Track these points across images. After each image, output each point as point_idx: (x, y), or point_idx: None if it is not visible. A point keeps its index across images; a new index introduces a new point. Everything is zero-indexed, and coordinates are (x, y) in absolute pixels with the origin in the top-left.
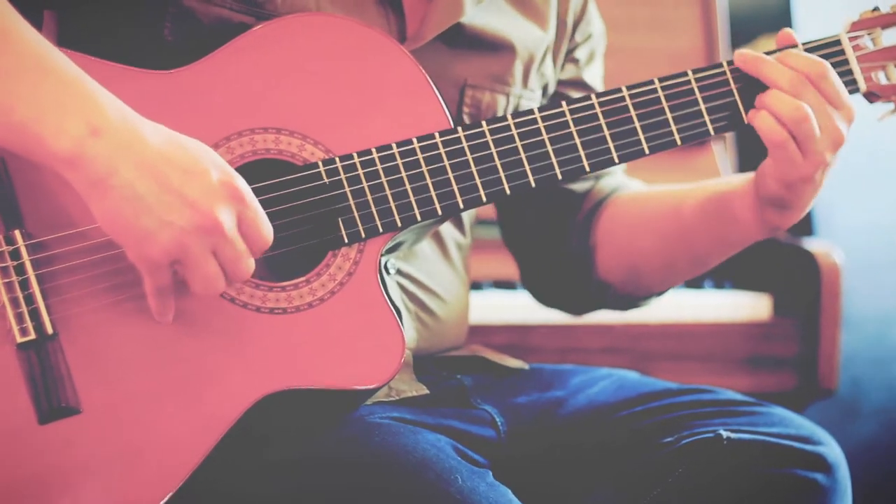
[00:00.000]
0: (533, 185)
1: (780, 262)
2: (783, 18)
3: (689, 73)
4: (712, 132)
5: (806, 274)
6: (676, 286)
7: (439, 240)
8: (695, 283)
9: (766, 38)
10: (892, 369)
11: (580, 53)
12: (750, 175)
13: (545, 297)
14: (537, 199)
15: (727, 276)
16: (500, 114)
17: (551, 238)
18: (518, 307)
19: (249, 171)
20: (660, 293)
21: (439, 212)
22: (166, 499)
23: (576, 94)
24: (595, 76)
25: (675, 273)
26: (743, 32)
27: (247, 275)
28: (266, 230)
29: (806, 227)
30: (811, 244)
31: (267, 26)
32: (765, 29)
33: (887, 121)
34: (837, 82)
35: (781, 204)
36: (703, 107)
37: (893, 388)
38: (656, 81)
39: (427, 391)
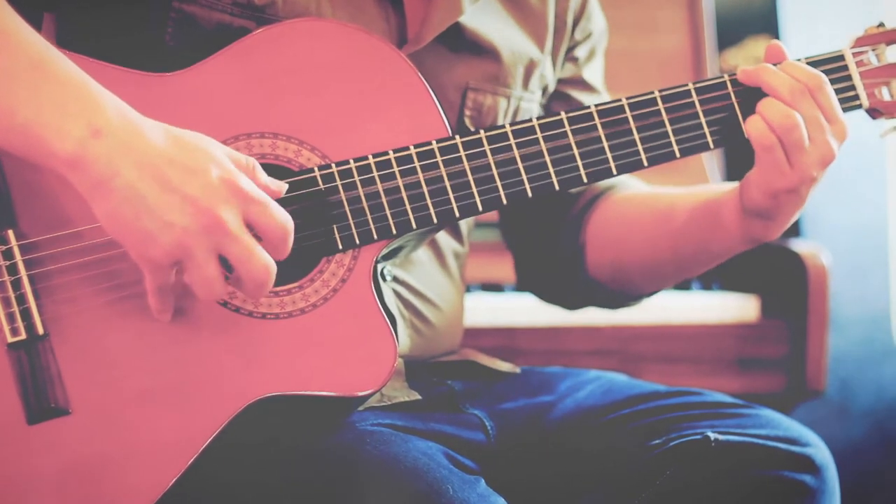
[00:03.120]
0: (530, 194)
1: (768, 263)
2: (769, 20)
3: (690, 85)
4: (711, 146)
5: (793, 275)
6: (664, 289)
7: (437, 248)
8: (682, 285)
9: (753, 40)
10: (879, 370)
11: (580, 52)
12: (737, 184)
13: (542, 293)
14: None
15: (715, 277)
16: (501, 116)
17: (544, 235)
18: (506, 310)
19: None
20: (649, 294)
21: (435, 220)
22: (154, 502)
23: (575, 93)
24: (595, 74)
25: (660, 276)
26: (729, 34)
27: (263, 272)
28: (280, 217)
29: (793, 228)
30: (798, 245)
31: (266, 31)
32: (751, 30)
33: (874, 123)
34: (832, 96)
35: (765, 215)
36: (703, 120)
37: (881, 389)
38: (656, 93)
39: (419, 397)
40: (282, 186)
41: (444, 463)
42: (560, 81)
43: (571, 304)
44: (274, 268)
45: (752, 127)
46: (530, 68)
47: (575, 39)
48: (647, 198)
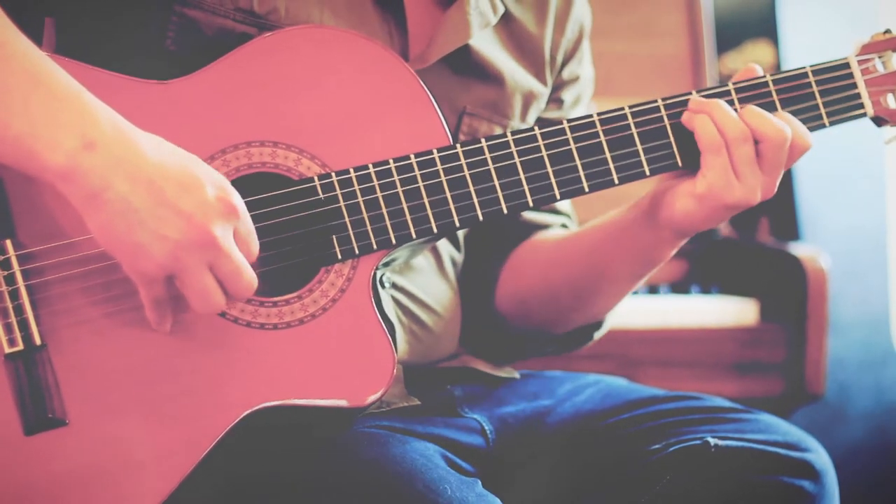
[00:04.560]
0: (531, 204)
1: (767, 267)
2: (769, 24)
3: (693, 93)
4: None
5: (792, 279)
6: (570, 327)
7: (436, 254)
8: (681, 289)
9: (752, 44)
10: (878, 374)
11: (566, 95)
12: (637, 202)
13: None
14: None
15: (714, 281)
16: None
17: (475, 258)
18: None
19: (245, 184)
20: (555, 338)
21: (435, 230)
22: None
23: None
24: None
25: (558, 308)
26: (728, 38)
27: (249, 290)
28: (254, 247)
29: (792, 231)
30: (797, 249)
31: (267, 38)
32: (750, 34)
33: (872, 126)
34: (753, 155)
35: (681, 229)
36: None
37: (880, 393)
38: (659, 101)
39: (418, 402)
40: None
41: (441, 464)
42: (540, 121)
43: (477, 341)
44: (256, 284)
45: (701, 124)
46: (529, 99)
47: (562, 78)
48: (562, 232)
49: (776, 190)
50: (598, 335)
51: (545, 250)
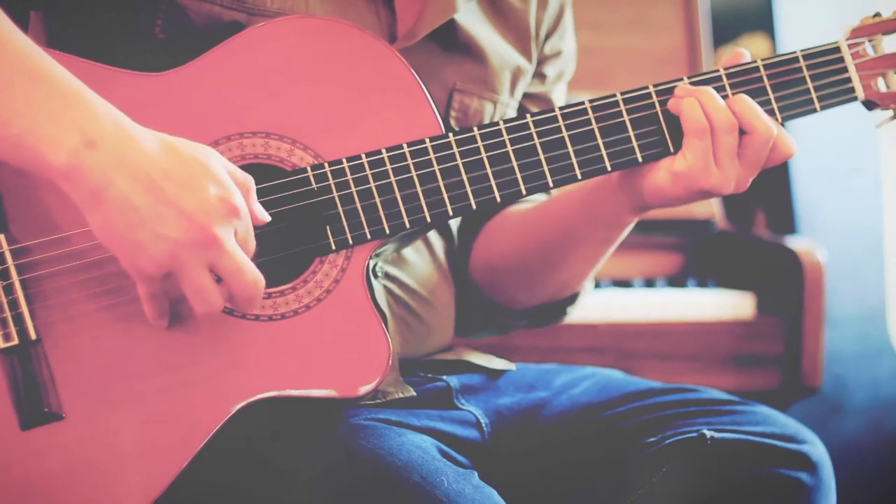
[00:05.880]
0: (524, 192)
1: (764, 260)
2: (765, 17)
3: (685, 78)
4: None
5: (789, 272)
6: (538, 300)
7: (428, 244)
8: (678, 282)
9: (748, 37)
10: (875, 367)
11: (549, 70)
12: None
13: None
14: None
15: (710, 274)
16: (486, 121)
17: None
18: None
19: None
20: (522, 310)
21: (428, 219)
22: None
23: (537, 110)
24: (560, 96)
25: (528, 274)
26: (725, 31)
27: (254, 287)
28: (250, 245)
29: (789, 225)
30: (794, 243)
31: (258, 29)
32: (746, 28)
33: (869, 119)
34: (734, 143)
35: (647, 201)
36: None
37: (877, 386)
38: (650, 87)
39: (413, 393)
40: (266, 217)
41: (438, 457)
42: (526, 95)
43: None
44: (263, 282)
45: (688, 107)
46: (517, 75)
47: (544, 54)
48: (535, 203)
49: (748, 186)
50: (570, 309)
51: (518, 216)
